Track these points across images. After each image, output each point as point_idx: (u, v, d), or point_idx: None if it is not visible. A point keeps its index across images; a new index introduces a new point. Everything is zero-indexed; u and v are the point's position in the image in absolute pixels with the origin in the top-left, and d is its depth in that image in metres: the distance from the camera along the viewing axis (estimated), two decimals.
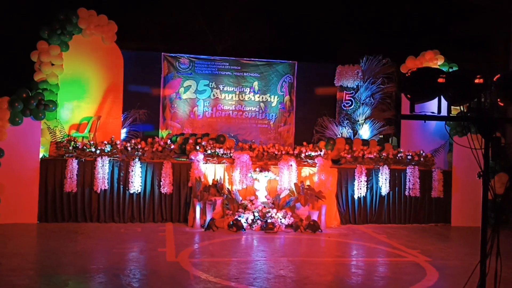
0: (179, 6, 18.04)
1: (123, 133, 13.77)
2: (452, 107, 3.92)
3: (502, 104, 3.74)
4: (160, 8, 17.59)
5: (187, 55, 14.96)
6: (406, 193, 10.80)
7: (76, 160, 9.60)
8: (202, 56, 15.10)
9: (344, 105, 15.38)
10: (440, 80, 3.48)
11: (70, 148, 9.71)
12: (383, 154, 11.01)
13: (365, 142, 12.43)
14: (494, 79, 3.67)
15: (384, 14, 16.62)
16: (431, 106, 3.83)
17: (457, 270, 7.17)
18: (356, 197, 10.61)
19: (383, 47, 15.54)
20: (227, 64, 15.14)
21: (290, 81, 15.39)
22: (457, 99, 3.60)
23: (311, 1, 17.30)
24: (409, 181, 10.77)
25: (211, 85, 14.99)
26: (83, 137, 10.87)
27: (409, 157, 10.98)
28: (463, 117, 3.77)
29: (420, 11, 16.30)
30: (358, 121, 15.16)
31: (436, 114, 3.61)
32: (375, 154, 10.93)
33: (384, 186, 10.67)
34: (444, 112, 3.90)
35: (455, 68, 11.86)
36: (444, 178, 10.90)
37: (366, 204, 10.71)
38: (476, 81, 3.55)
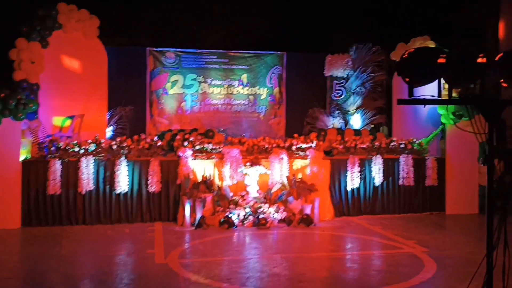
0: (165, 2, 17.62)
1: (109, 131, 13.44)
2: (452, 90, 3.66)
3: (505, 85, 3.48)
4: (144, 2, 17.15)
5: (173, 49, 14.60)
6: (400, 182, 10.58)
7: (59, 161, 9.26)
8: (188, 50, 14.74)
9: (334, 95, 15.12)
10: (441, 60, 3.20)
11: (53, 148, 9.35)
12: (376, 143, 10.77)
13: (357, 132, 12.19)
14: (496, 58, 3.39)
15: (372, 2, 16.33)
16: (425, 91, 3.57)
17: (455, 260, 6.96)
18: (349, 188, 10.38)
19: (373, 35, 15.25)
20: (215, 57, 14.80)
21: (279, 72, 15.09)
22: (459, 81, 3.33)
23: None
24: (403, 170, 10.54)
25: (199, 79, 14.65)
26: (67, 137, 10.53)
27: (402, 145, 10.75)
28: (466, 99, 3.49)
29: None
30: (349, 111, 14.91)
31: (436, 98, 3.33)
32: (367, 144, 10.69)
33: (377, 176, 10.45)
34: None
35: None
36: (438, 165, 10.70)
37: (360, 195, 10.48)
38: (479, 60, 3.28)
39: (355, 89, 14.97)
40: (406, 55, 3.47)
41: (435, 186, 10.66)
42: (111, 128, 13.52)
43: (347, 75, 14.99)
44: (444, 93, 3.79)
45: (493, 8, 15.18)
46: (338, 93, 15.14)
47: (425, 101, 3.50)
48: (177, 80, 14.51)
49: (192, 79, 14.62)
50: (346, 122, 14.83)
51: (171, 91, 14.46)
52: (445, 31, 15.35)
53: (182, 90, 14.56)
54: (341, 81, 15.14)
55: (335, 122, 14.80)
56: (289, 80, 15.04)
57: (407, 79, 3.50)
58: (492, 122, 3.60)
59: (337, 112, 14.94)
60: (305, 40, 16.70)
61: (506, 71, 3.52)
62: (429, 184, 10.64)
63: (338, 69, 14.95)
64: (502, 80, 3.53)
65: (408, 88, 3.52)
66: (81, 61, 11.16)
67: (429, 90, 3.57)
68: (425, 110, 12.06)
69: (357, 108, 14.87)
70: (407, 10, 15.82)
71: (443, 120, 11.21)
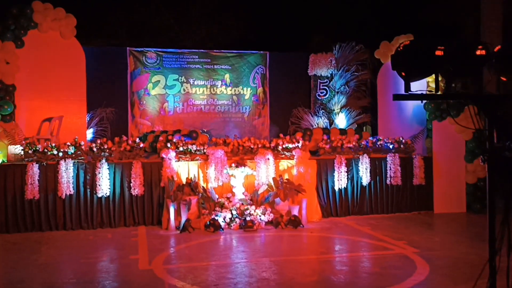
0: (145, 1, 17.30)
1: (89, 133, 13.09)
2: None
3: (504, 79, 3.32)
4: (124, 3, 16.80)
5: (154, 49, 14.30)
6: (388, 181, 10.46)
7: (37, 165, 8.89)
8: (170, 50, 14.47)
9: (318, 95, 15.00)
10: (438, 52, 3.02)
11: (30, 151, 8.98)
12: (362, 142, 10.64)
13: (343, 131, 12.06)
14: (495, 50, 3.23)
15: (355, 0, 16.28)
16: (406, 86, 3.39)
17: (447, 260, 6.84)
18: (336, 188, 10.23)
19: (356, 34, 15.19)
20: (197, 57, 14.54)
21: (262, 72, 14.91)
22: (458, 74, 3.15)
23: None
24: (390, 169, 10.44)
25: (181, 79, 14.39)
26: (44, 140, 10.16)
27: (390, 145, 10.64)
28: (465, 94, 3.32)
29: None
30: (334, 110, 14.81)
31: (434, 93, 3.14)
32: (354, 143, 10.55)
33: (364, 175, 10.32)
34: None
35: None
36: (425, 164, 10.62)
37: (348, 195, 10.34)
38: (478, 52, 3.11)
39: (339, 88, 14.88)
40: (401, 48, 3.28)
41: (423, 185, 10.58)
42: (91, 130, 13.18)
43: (331, 74, 14.89)
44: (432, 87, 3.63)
45: (472, 6, 15.23)
46: (322, 93, 15.03)
47: (422, 96, 3.33)
48: (158, 81, 14.22)
49: (174, 80, 14.35)
50: (331, 122, 14.72)
51: (153, 92, 14.17)
52: (427, 30, 15.38)
53: (164, 91, 14.27)
54: (325, 80, 15.03)
55: (320, 121, 14.67)
56: (272, 80, 14.88)
57: (403, 74, 3.31)
58: (492, 118, 3.43)
59: (321, 111, 14.83)
60: (288, 39, 16.58)
61: (505, 65, 3.37)
62: (416, 183, 10.55)
63: (321, 68, 14.84)
64: (500, 74, 3.38)
65: (405, 82, 3.33)
66: (58, 61, 10.78)
67: (415, 85, 3.42)
68: (410, 108, 12.02)
69: (341, 108, 14.77)
70: (390, 8, 15.80)
71: (428, 118, 11.16)
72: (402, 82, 3.41)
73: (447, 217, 10.21)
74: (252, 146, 10.09)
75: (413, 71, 3.13)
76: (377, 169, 10.48)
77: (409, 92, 3.09)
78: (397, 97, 3.22)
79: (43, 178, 8.97)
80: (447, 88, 3.16)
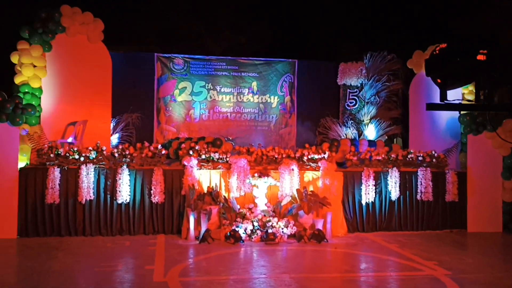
0: (175, 8, 17.26)
1: (115, 138, 13.04)
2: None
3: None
4: (154, 10, 16.80)
5: (182, 55, 14.20)
6: (418, 197, 9.96)
7: (58, 169, 8.81)
8: (197, 56, 14.34)
9: (347, 105, 14.58)
10: (480, 57, 2.63)
11: (52, 155, 8.91)
12: (392, 155, 10.17)
13: (372, 143, 11.61)
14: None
15: (387, 8, 15.82)
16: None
17: (480, 285, 6.33)
18: (364, 202, 9.78)
19: (388, 43, 14.73)
20: (224, 64, 14.37)
21: (290, 80, 14.61)
22: (503, 81, 2.75)
23: None
24: (421, 184, 9.94)
25: (208, 86, 14.23)
26: (69, 143, 10.11)
27: (420, 158, 10.14)
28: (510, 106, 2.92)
29: (425, 5, 15.50)
30: (363, 121, 14.36)
31: (473, 103, 2.76)
32: (383, 156, 10.10)
33: (394, 190, 9.85)
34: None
35: None
36: (459, 180, 10.06)
37: (375, 210, 9.88)
38: None
39: (369, 99, 14.43)
40: (437, 51, 2.92)
41: (456, 201, 10.03)
42: (117, 135, 13.14)
43: (361, 84, 14.47)
44: (471, 97, 3.24)
45: (509, 16, 14.60)
46: (351, 103, 14.61)
47: (460, 107, 2.97)
48: (185, 87, 14.10)
49: (201, 86, 14.20)
50: (360, 133, 14.26)
51: (179, 98, 14.05)
52: (462, 39, 14.78)
53: (190, 98, 14.14)
54: (355, 90, 14.61)
55: (348, 132, 14.25)
56: (300, 89, 14.56)
57: (439, 80, 2.94)
58: None
59: (350, 122, 14.40)
60: (317, 47, 16.22)
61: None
62: (449, 199, 10.01)
63: (351, 77, 14.44)
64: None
65: (440, 91, 2.96)
66: (85, 65, 10.75)
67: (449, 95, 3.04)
68: (443, 121, 11.50)
69: (371, 118, 14.31)
70: (424, 17, 15.29)
71: (462, 131, 10.62)
72: (436, 93, 3.06)
73: (481, 236, 9.64)
74: (276, 156, 9.77)
75: (451, 77, 2.76)
76: (407, 183, 9.99)
77: (446, 101, 2.72)
78: (431, 106, 2.87)
79: (64, 182, 8.88)
80: (489, 98, 2.78)
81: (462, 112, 10.34)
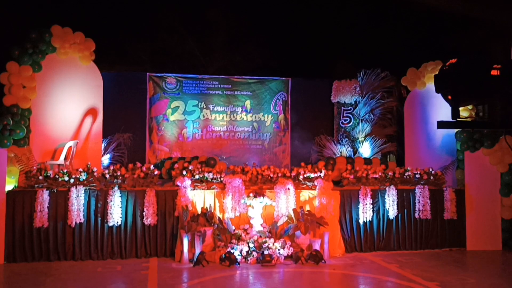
0: (167, 27, 17.21)
1: (106, 159, 12.81)
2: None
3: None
4: (147, 29, 16.73)
5: (174, 74, 14.08)
6: (416, 215, 9.78)
7: (47, 191, 8.55)
8: (190, 75, 14.23)
9: (342, 122, 14.47)
10: (494, 72, 2.47)
11: (41, 177, 8.66)
12: (389, 173, 10.02)
13: (368, 161, 11.46)
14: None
15: (381, 26, 15.85)
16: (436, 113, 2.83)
17: None
18: (361, 221, 9.58)
19: (381, 60, 14.70)
20: (217, 82, 14.26)
21: (284, 98, 14.52)
22: None
23: (303, 15, 16.54)
24: (419, 202, 9.77)
25: (201, 105, 14.09)
26: (58, 165, 9.86)
27: (417, 175, 9.99)
28: None
29: (418, 23, 15.55)
30: (358, 138, 14.23)
31: (487, 121, 2.58)
32: (380, 174, 9.95)
33: (391, 208, 9.67)
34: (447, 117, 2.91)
35: None
36: (457, 197, 9.91)
37: (373, 229, 9.68)
38: None
39: (363, 116, 14.34)
40: (447, 66, 2.75)
41: (454, 219, 9.86)
42: (108, 155, 12.91)
43: (355, 101, 14.38)
44: (465, 114, 3.08)
45: (502, 34, 14.64)
46: (346, 120, 14.50)
47: (473, 124, 2.78)
48: (178, 106, 13.95)
49: (194, 105, 14.06)
50: (355, 150, 14.13)
51: (171, 118, 13.88)
52: (455, 56, 14.79)
53: (183, 117, 13.98)
54: (349, 108, 14.51)
55: (343, 150, 14.11)
56: (294, 107, 14.46)
57: (450, 97, 2.77)
58: None
59: (345, 139, 14.27)
60: (311, 65, 16.17)
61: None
62: (447, 217, 9.83)
63: (345, 95, 14.35)
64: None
65: (452, 108, 2.79)
66: (76, 85, 10.57)
67: (442, 113, 2.87)
68: (439, 138, 11.40)
69: (366, 136, 14.19)
70: (417, 34, 15.31)
71: (458, 147, 10.51)
72: (431, 110, 2.91)
73: (481, 255, 9.45)
74: (271, 175, 9.58)
75: (462, 94, 2.58)
76: (404, 201, 9.82)
77: (458, 120, 2.54)
78: (443, 124, 2.68)
79: (53, 205, 8.61)
80: (507, 115, 2.61)
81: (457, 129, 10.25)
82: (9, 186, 8.75)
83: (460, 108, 9.35)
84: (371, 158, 12.54)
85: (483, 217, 9.89)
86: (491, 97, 2.54)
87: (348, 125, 14.41)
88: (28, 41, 9.89)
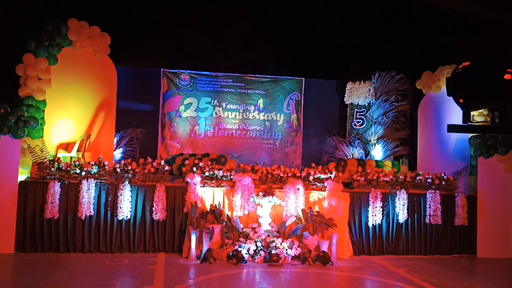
0: (183, 24, 17.25)
1: (118, 153, 12.89)
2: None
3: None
4: (162, 25, 16.78)
5: (188, 71, 14.13)
6: (427, 220, 9.69)
7: (59, 183, 8.63)
8: (203, 72, 14.25)
9: (355, 124, 14.38)
10: (507, 76, 2.42)
11: (53, 169, 8.74)
12: (400, 177, 9.94)
13: (379, 164, 11.38)
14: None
15: (396, 28, 15.71)
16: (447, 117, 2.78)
17: None
18: (370, 224, 9.52)
19: (396, 63, 14.58)
20: (231, 80, 14.27)
21: (297, 98, 14.47)
22: None
23: (318, 15, 16.47)
24: (430, 207, 9.67)
25: (213, 102, 14.10)
26: (71, 158, 9.96)
27: (429, 180, 9.90)
28: None
29: (436, 25, 15.39)
30: (370, 141, 14.14)
31: (499, 125, 2.54)
32: (391, 177, 9.87)
33: (401, 212, 9.59)
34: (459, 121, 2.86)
35: None
36: (469, 203, 9.79)
37: (382, 232, 9.61)
38: None
39: (376, 119, 14.23)
40: (460, 69, 2.71)
41: (465, 225, 9.75)
42: (120, 150, 12.99)
43: (369, 103, 14.29)
44: (480, 119, 3.03)
45: None
46: (358, 122, 14.41)
47: (484, 129, 2.75)
48: (191, 103, 13.98)
49: (207, 103, 14.08)
50: (367, 153, 14.03)
51: (184, 114, 13.91)
52: (471, 59, 14.59)
53: (195, 114, 14.01)
54: (362, 110, 14.43)
55: (355, 152, 14.03)
56: (307, 107, 14.40)
57: (461, 101, 2.73)
58: None
59: (357, 141, 14.18)
60: (325, 66, 16.08)
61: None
62: (458, 223, 9.73)
63: (359, 97, 14.27)
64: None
65: (463, 112, 2.74)
66: (90, 79, 10.65)
67: (454, 117, 2.82)
68: (452, 143, 11.27)
69: (378, 139, 14.09)
70: (433, 37, 15.15)
71: (472, 153, 10.37)
72: (445, 115, 2.87)
73: (492, 262, 9.34)
74: (281, 175, 9.57)
75: (474, 97, 2.54)
76: (415, 206, 9.74)
77: (469, 123, 2.50)
78: (453, 128, 2.64)
79: (64, 197, 8.69)
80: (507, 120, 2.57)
81: (471, 134, 10.12)
82: (21, 177, 8.85)
83: (475, 113, 9.20)
84: (382, 161, 12.46)
85: (495, 224, 9.77)
86: (503, 102, 2.49)
87: (361, 127, 14.32)
88: (44, 34, 9.98)
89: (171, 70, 14.01)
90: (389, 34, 15.82)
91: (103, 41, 10.69)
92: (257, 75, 14.43)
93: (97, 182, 8.84)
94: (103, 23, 10.85)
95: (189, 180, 9.07)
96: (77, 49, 10.45)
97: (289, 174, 9.60)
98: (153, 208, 8.92)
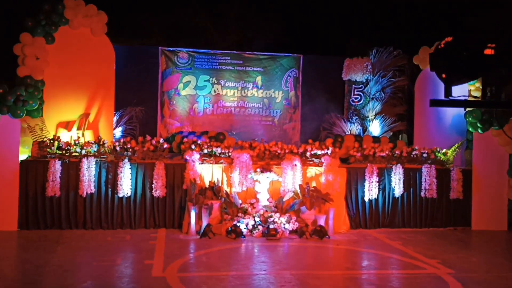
0: (181, 2, 17.16)
1: (118, 131, 13.00)
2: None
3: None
4: (160, 3, 16.70)
5: (186, 49, 14.12)
6: (422, 194, 9.85)
7: (60, 162, 8.77)
8: (202, 50, 14.25)
9: (352, 100, 14.45)
10: (488, 51, 2.51)
11: (53, 148, 8.86)
12: (396, 152, 10.06)
13: (376, 139, 11.49)
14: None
15: (394, 4, 15.63)
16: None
17: (484, 285, 6.23)
18: (366, 199, 9.69)
19: (394, 38, 14.57)
20: (229, 58, 14.27)
21: (295, 75, 14.49)
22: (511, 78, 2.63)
23: None
24: (425, 181, 9.82)
25: (212, 80, 14.14)
26: (71, 136, 10.06)
27: (424, 155, 10.02)
28: None
29: (434, 0, 15.31)
30: (368, 117, 14.23)
31: (478, 100, 2.64)
32: (387, 152, 9.99)
33: (397, 186, 9.74)
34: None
35: None
36: (464, 177, 9.94)
37: (378, 206, 9.79)
38: None
39: (374, 94, 14.30)
40: (443, 45, 2.80)
41: (460, 199, 9.92)
42: (120, 128, 13.09)
43: (366, 79, 14.32)
44: (477, 94, 3.13)
45: None
46: (356, 98, 14.47)
47: (464, 103, 2.84)
48: (189, 81, 14.02)
49: (205, 80, 14.12)
50: (365, 129, 14.14)
51: (183, 92, 13.97)
52: (469, 32, 14.56)
53: (194, 92, 14.06)
54: (360, 86, 14.47)
55: (352, 128, 14.13)
56: (305, 84, 14.43)
57: (444, 76, 2.82)
58: None
59: (355, 117, 14.27)
60: (323, 42, 16.08)
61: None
62: (453, 197, 9.89)
63: (357, 73, 14.29)
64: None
65: (445, 86, 2.85)
66: (88, 58, 10.65)
67: (455, 91, 2.91)
68: (449, 117, 11.34)
69: (376, 114, 14.18)
70: (430, 13, 15.09)
71: (469, 128, 10.46)
72: (442, 90, 2.95)
73: (486, 235, 9.53)
74: (279, 151, 9.69)
75: (456, 72, 2.63)
76: (411, 180, 9.89)
77: (450, 98, 2.60)
78: (435, 103, 2.74)
79: (65, 175, 8.84)
80: (497, 94, 2.66)
81: (467, 109, 10.19)
82: (22, 156, 8.98)
83: (472, 88, 9.21)
84: (380, 136, 12.56)
85: (489, 197, 9.92)
86: (483, 76, 2.58)
87: (359, 103, 14.39)
88: (41, 13, 9.97)
89: (169, 48, 14.00)
90: (387, 10, 15.76)
91: (100, 20, 10.66)
92: (255, 53, 14.42)
93: (97, 160, 8.97)
94: (99, 1, 10.82)
95: (188, 158, 9.20)
96: (74, 28, 10.44)
97: (287, 151, 9.72)
98: (153, 185, 9.08)
